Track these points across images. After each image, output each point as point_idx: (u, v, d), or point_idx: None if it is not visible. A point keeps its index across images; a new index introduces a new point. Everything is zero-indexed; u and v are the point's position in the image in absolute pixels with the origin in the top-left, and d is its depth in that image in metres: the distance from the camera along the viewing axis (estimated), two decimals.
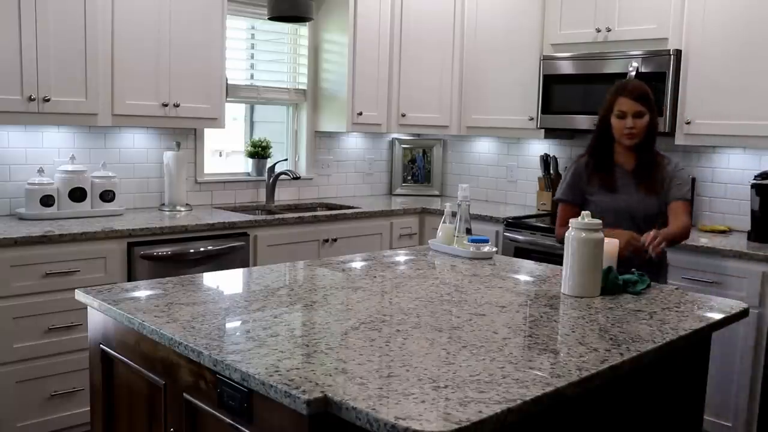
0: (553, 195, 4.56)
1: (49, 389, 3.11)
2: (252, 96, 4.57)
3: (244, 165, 4.63)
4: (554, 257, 3.76)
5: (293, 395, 1.36)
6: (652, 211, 2.78)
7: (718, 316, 2.07)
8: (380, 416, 1.26)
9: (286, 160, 4.71)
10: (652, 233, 2.54)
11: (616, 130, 2.77)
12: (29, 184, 3.46)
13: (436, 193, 5.29)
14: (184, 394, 1.69)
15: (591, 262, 2.19)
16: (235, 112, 4.71)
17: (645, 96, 2.74)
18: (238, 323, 1.85)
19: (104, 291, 2.09)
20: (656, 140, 2.82)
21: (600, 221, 2.22)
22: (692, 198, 2.84)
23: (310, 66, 4.75)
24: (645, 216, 2.77)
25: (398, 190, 5.30)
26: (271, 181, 4.44)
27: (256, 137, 4.61)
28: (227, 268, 2.92)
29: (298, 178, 4.49)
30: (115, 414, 2.02)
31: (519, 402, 1.35)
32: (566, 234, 2.22)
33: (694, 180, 4.00)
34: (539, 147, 4.74)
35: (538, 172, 4.66)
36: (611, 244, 2.44)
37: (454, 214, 2.90)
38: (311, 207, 4.63)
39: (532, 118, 4.37)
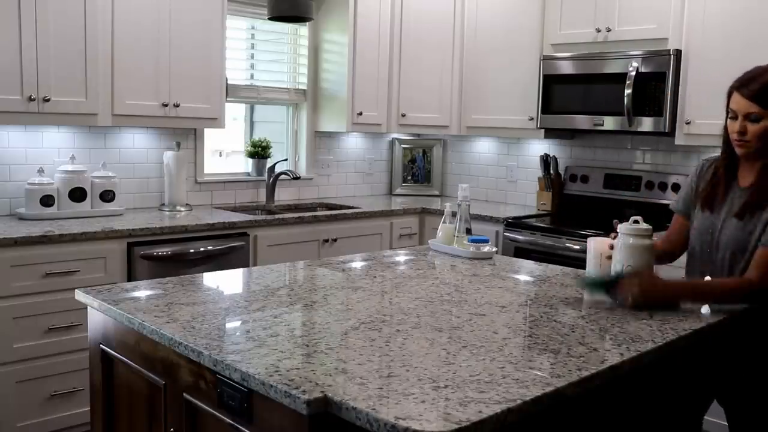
0: (553, 195, 4.57)
1: (49, 389, 3.11)
2: (252, 96, 4.57)
3: (244, 165, 4.63)
4: (554, 257, 3.76)
5: (293, 395, 1.36)
6: (737, 242, 2.15)
7: (718, 316, 2.07)
8: (380, 416, 1.26)
9: (286, 160, 4.71)
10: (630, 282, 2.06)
11: (729, 133, 2.17)
12: (29, 184, 3.46)
13: (436, 193, 5.29)
14: (184, 394, 1.69)
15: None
16: (235, 112, 4.71)
17: (759, 91, 2.06)
18: (238, 323, 1.85)
19: (104, 291, 2.09)
20: None
21: (649, 227, 2.09)
22: None
23: (310, 66, 4.75)
24: (735, 250, 2.16)
25: (398, 190, 5.30)
26: (271, 181, 4.44)
27: (256, 137, 4.61)
28: (227, 268, 2.92)
29: (298, 178, 4.49)
30: (115, 414, 2.02)
31: (519, 402, 1.35)
32: (615, 241, 2.13)
33: None
34: (539, 147, 4.74)
35: (538, 172, 4.66)
36: (603, 243, 2.35)
37: (454, 214, 2.90)
38: (311, 207, 4.63)
39: (532, 118, 4.37)
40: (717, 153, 3.88)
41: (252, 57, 4.63)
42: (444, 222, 2.93)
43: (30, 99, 3.24)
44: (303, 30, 4.72)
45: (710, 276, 2.22)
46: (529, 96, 4.37)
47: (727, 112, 2.17)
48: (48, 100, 3.30)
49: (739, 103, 2.10)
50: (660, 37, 3.83)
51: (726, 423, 2.37)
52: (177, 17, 3.71)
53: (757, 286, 2.06)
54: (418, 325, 1.85)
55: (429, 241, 3.01)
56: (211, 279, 2.36)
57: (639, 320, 1.98)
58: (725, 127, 2.21)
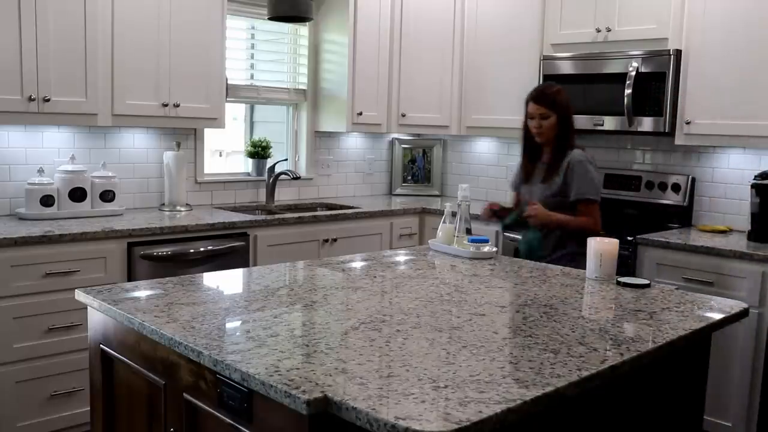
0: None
1: (49, 389, 3.11)
2: (252, 96, 4.57)
3: (244, 165, 4.63)
4: None
5: (293, 395, 1.36)
6: (548, 198, 3.07)
7: (718, 316, 2.07)
8: (380, 416, 1.26)
9: (286, 160, 4.71)
10: (534, 204, 3.03)
11: (531, 129, 3.19)
12: (29, 184, 3.46)
13: (436, 193, 5.29)
14: (184, 394, 1.69)
15: None
16: (235, 112, 4.71)
17: (546, 99, 3.11)
18: (238, 323, 1.85)
19: (104, 291, 2.09)
20: (572, 136, 3.15)
21: None
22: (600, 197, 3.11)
23: (310, 66, 4.75)
24: (544, 203, 3.06)
25: (398, 190, 5.30)
26: (271, 181, 4.44)
27: (256, 137, 4.61)
28: (227, 268, 2.92)
29: (298, 178, 4.49)
30: (115, 414, 2.02)
31: (519, 402, 1.35)
32: None
33: (689, 181, 4.00)
34: None
35: None
36: (611, 244, 2.45)
37: (454, 214, 2.90)
38: (311, 207, 4.63)
39: None
40: (716, 152, 3.93)
41: (252, 57, 4.62)
42: (444, 222, 2.93)
43: (30, 99, 3.24)
44: (303, 30, 4.72)
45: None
46: None
47: (526, 116, 3.18)
48: (48, 100, 3.30)
49: (534, 108, 3.14)
50: (660, 37, 3.83)
51: (726, 423, 2.37)
52: (177, 17, 3.71)
53: (593, 226, 3.01)
54: (418, 325, 1.85)
55: (429, 241, 3.01)
56: (211, 279, 2.36)
57: (639, 320, 1.98)
58: (525, 126, 3.22)
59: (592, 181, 3.06)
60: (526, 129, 3.23)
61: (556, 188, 3.08)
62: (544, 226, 3.07)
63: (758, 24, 3.49)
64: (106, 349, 2.00)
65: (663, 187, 4.12)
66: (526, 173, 3.26)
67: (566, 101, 3.15)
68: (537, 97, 3.15)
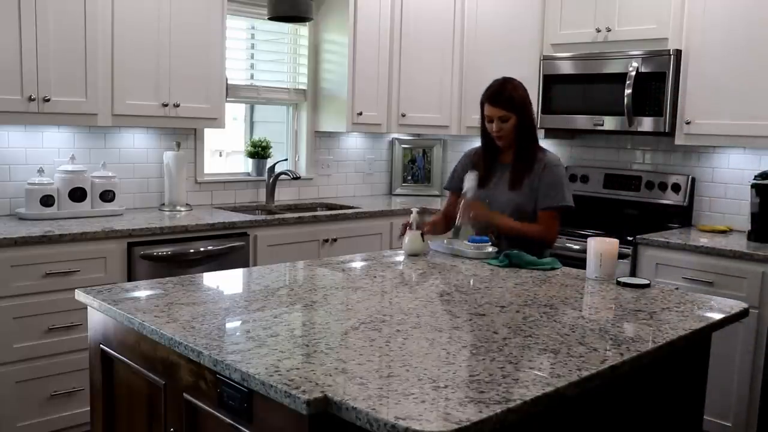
0: None
1: (49, 389, 3.11)
2: (252, 96, 4.57)
3: (244, 165, 4.63)
4: (554, 257, 3.75)
5: (293, 395, 1.36)
6: (521, 208, 2.85)
7: (718, 316, 2.07)
8: (380, 416, 1.26)
9: (286, 160, 4.71)
10: (474, 204, 2.80)
11: (489, 132, 2.92)
12: (29, 184, 3.46)
13: (436, 193, 5.29)
14: (184, 394, 1.69)
15: None
16: (235, 112, 4.71)
17: (504, 100, 2.85)
18: (238, 323, 1.85)
19: (104, 291, 2.09)
20: (534, 138, 2.93)
21: None
22: (567, 203, 2.87)
23: (310, 66, 4.75)
24: (514, 212, 2.85)
25: (398, 190, 5.30)
26: (271, 181, 4.44)
27: (256, 137, 4.61)
28: (227, 268, 2.92)
29: (298, 178, 4.49)
30: (115, 414, 2.02)
31: (519, 402, 1.35)
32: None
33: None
34: None
35: None
36: (611, 244, 2.45)
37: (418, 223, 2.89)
38: (311, 207, 4.63)
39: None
40: (716, 152, 3.92)
41: (252, 57, 4.62)
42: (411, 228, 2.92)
43: (30, 99, 3.24)
44: (303, 30, 4.72)
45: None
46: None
47: (483, 118, 2.92)
48: (48, 100, 3.30)
49: (492, 111, 2.87)
50: (660, 37, 3.83)
51: (726, 423, 2.37)
52: (177, 17, 3.70)
53: (546, 234, 2.85)
54: (418, 325, 1.85)
55: (429, 241, 3.00)
56: (211, 279, 2.36)
57: (639, 320, 1.98)
58: (483, 127, 2.95)
59: (566, 188, 2.86)
60: (484, 131, 2.96)
61: (529, 195, 2.86)
62: (498, 229, 2.81)
63: (758, 23, 3.49)
64: (106, 349, 2.00)
65: (663, 187, 4.12)
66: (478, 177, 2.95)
67: (525, 97, 2.89)
68: (493, 97, 2.87)
